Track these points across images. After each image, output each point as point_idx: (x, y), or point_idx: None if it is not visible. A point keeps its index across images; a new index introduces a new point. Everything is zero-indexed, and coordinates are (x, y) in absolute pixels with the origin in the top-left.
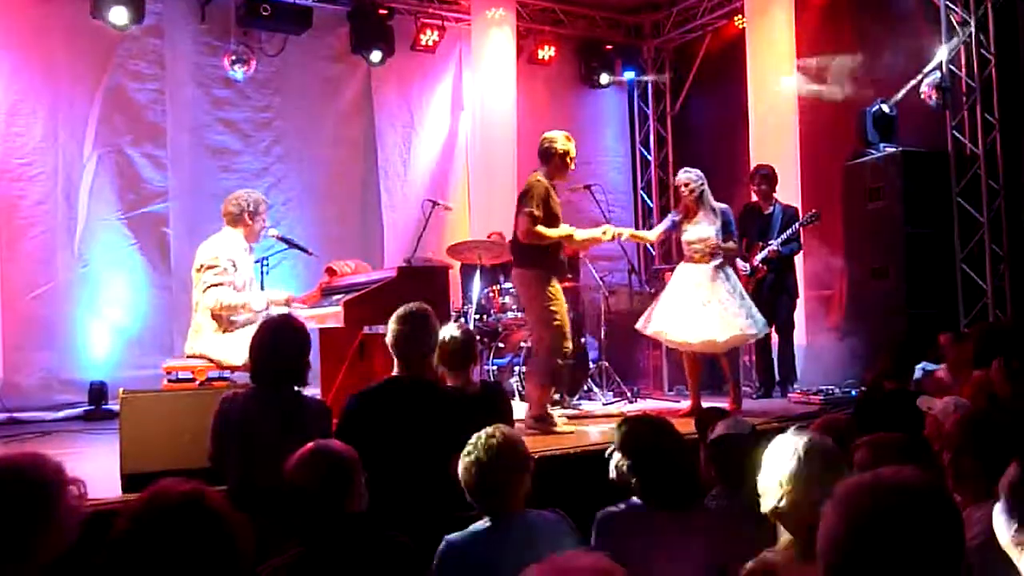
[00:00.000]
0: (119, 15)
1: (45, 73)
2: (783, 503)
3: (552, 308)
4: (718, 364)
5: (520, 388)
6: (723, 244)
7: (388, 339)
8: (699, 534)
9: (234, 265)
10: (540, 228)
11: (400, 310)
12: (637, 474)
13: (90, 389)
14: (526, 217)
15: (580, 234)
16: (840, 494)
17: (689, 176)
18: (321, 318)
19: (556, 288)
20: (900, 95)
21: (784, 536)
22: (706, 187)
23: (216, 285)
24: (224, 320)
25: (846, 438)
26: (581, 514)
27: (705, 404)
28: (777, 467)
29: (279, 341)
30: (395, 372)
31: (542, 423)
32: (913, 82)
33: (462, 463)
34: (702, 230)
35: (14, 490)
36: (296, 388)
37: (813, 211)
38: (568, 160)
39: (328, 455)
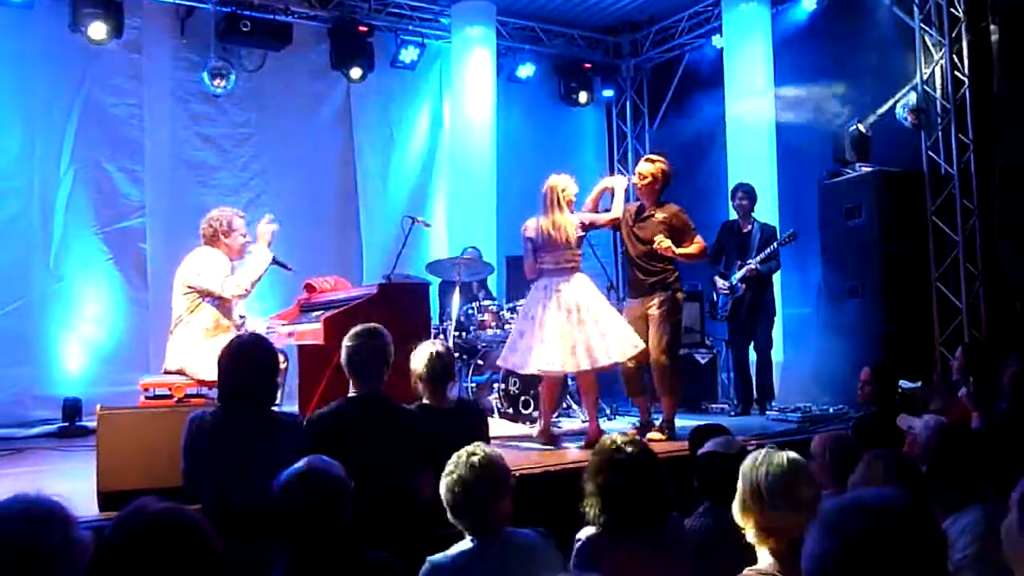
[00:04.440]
0: (98, 30)
1: (22, 86)
2: (760, 520)
3: None
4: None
5: (499, 405)
6: None
7: (343, 359)
8: (675, 551)
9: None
10: None
11: (354, 330)
12: (605, 495)
13: (64, 405)
14: None
15: None
16: (825, 516)
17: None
18: (301, 334)
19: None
20: (876, 116)
21: (764, 554)
22: None
23: (227, 277)
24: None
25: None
26: (562, 532)
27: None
28: (751, 484)
29: (246, 362)
30: (351, 392)
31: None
32: (889, 104)
33: (444, 482)
34: None
35: (32, 541)
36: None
37: (791, 231)
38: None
39: (323, 474)
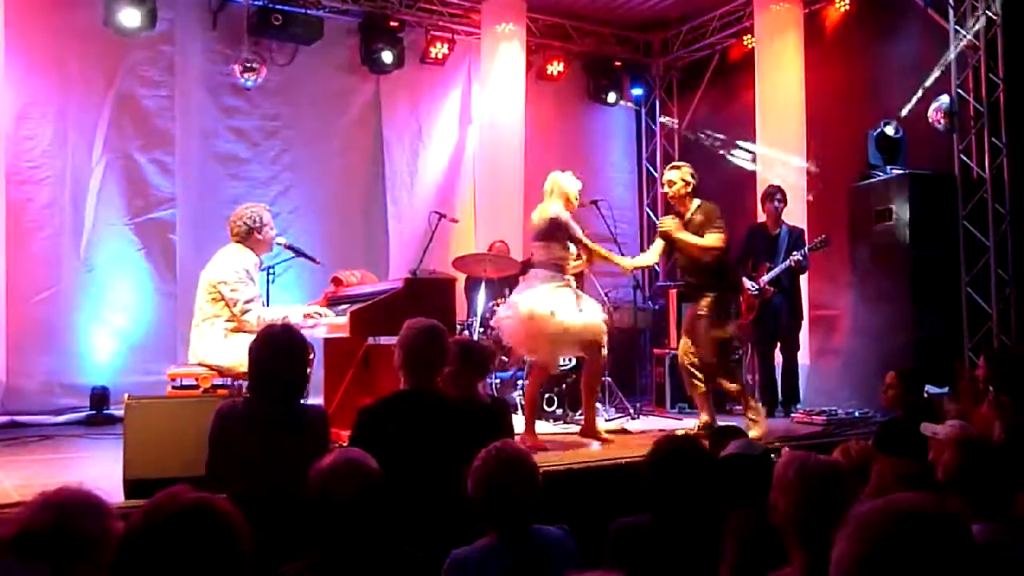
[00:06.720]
0: (131, 17)
1: (56, 78)
2: (791, 523)
3: None
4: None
5: (523, 402)
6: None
7: (399, 353)
8: (714, 551)
9: (251, 278)
10: None
11: (412, 324)
12: (659, 489)
13: (92, 394)
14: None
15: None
16: (853, 520)
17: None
18: (335, 327)
19: None
20: (902, 114)
21: (795, 556)
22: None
23: (251, 300)
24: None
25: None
26: (586, 529)
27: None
28: (784, 487)
29: (277, 354)
30: (403, 386)
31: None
32: (914, 100)
33: (471, 478)
34: None
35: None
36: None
37: (823, 236)
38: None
39: (360, 465)
